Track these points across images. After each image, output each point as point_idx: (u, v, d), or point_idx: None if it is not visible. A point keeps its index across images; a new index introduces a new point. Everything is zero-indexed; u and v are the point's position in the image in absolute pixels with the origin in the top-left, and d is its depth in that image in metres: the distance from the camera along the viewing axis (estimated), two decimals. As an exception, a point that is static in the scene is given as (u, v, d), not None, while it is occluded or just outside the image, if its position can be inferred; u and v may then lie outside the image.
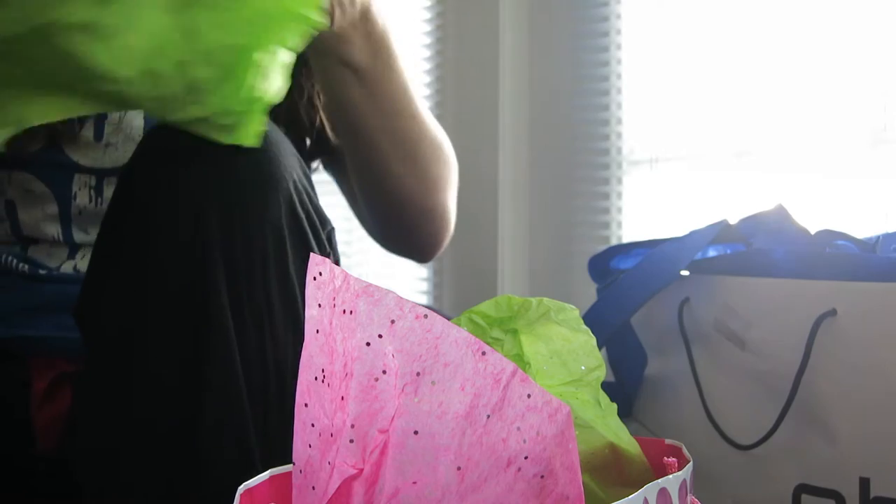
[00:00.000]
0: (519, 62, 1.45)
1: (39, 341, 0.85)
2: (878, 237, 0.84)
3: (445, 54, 1.55)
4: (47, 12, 0.60)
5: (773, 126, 1.16)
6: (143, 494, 0.66)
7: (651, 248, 0.98)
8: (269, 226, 0.69)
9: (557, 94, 1.42)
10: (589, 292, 1.07)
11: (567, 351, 0.53)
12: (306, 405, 0.46)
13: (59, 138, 0.87)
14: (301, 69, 0.95)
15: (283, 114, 0.94)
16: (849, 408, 0.75)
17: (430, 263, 1.58)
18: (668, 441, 0.55)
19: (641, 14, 1.32)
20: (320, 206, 0.77)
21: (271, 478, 0.50)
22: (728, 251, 0.95)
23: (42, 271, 0.87)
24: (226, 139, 0.67)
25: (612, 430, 0.52)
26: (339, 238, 0.84)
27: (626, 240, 1.30)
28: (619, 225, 1.34)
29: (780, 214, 0.90)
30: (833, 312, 0.76)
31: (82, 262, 0.89)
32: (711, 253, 0.95)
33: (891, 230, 0.86)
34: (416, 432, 0.43)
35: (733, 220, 0.93)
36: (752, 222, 0.92)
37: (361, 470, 0.44)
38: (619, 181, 1.34)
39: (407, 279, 1.63)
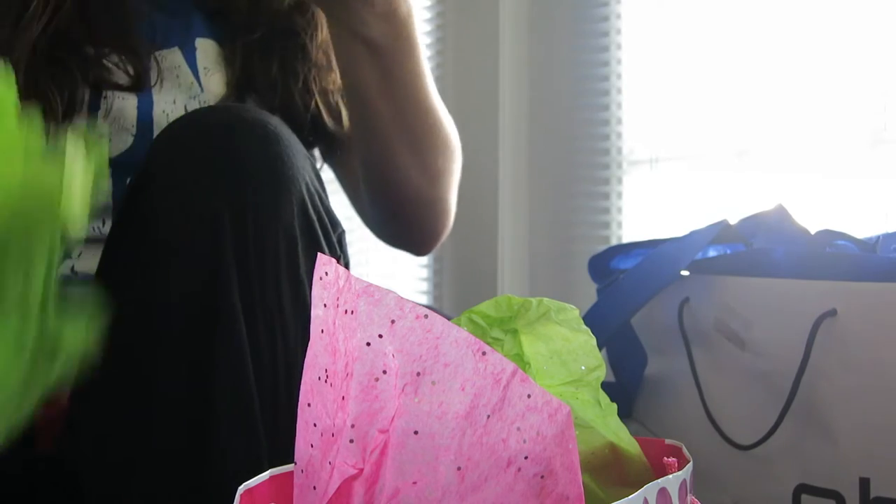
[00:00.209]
0: (519, 62, 1.45)
1: None
2: (878, 237, 0.84)
3: (445, 54, 1.55)
4: None
5: (773, 126, 1.16)
6: (150, 497, 0.66)
7: (651, 248, 0.98)
8: (281, 228, 0.69)
9: (557, 94, 1.42)
10: (589, 292, 1.07)
11: (567, 351, 0.53)
12: (309, 405, 0.46)
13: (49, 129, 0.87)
14: (297, 53, 0.95)
15: (277, 100, 0.94)
16: (849, 408, 0.75)
17: (431, 264, 1.58)
18: (668, 441, 0.55)
19: (641, 14, 1.32)
20: (331, 208, 0.77)
21: (271, 478, 0.50)
22: (728, 251, 0.95)
23: None
24: None
25: (612, 430, 0.52)
26: (340, 238, 0.84)
27: (626, 240, 1.30)
28: (619, 225, 1.34)
29: (780, 214, 0.90)
30: (833, 312, 0.76)
31: (80, 263, 0.89)
32: (711, 253, 0.95)
33: (891, 230, 0.86)
34: (416, 432, 0.43)
35: (733, 220, 0.93)
36: (752, 222, 0.92)
37: (361, 470, 0.44)
38: (619, 181, 1.34)
39: (407, 279, 1.63)
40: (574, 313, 0.55)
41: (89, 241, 0.90)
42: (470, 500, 0.43)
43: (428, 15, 1.58)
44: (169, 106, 0.90)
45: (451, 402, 0.43)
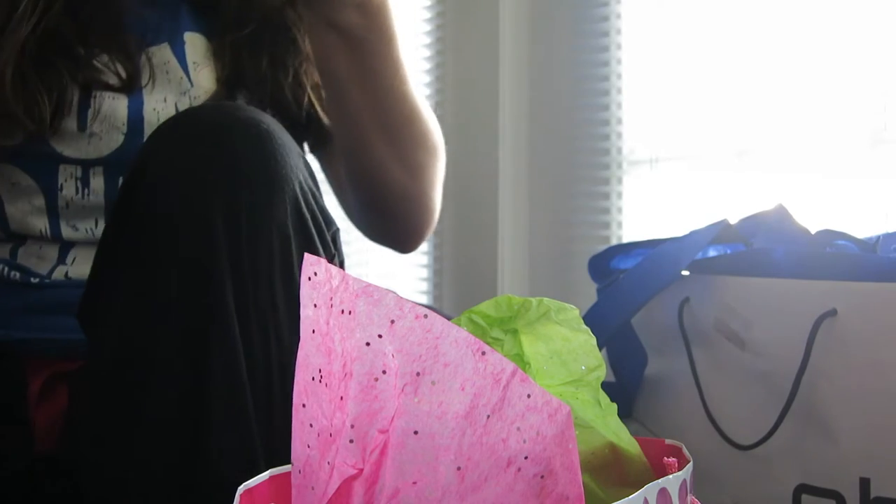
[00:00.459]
0: (519, 62, 1.45)
1: (33, 342, 0.84)
2: (878, 237, 0.84)
3: (445, 55, 1.55)
4: None
5: (773, 126, 1.16)
6: (145, 496, 0.66)
7: (651, 248, 0.98)
8: (275, 227, 0.69)
9: (557, 94, 1.42)
10: (589, 292, 1.07)
11: (567, 351, 0.53)
12: (304, 405, 0.46)
13: (41, 131, 0.87)
14: (288, 47, 0.95)
15: (268, 95, 0.94)
16: (849, 408, 0.75)
17: (431, 264, 1.58)
18: (668, 441, 0.55)
19: (641, 14, 1.32)
20: (325, 207, 0.77)
21: (271, 478, 0.50)
22: (728, 251, 0.95)
23: (34, 279, 0.87)
24: None
25: (612, 430, 0.52)
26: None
27: (626, 240, 1.30)
28: (619, 225, 1.34)
29: (780, 214, 0.90)
30: (833, 312, 0.76)
31: (73, 269, 0.88)
32: (711, 253, 0.95)
33: (891, 230, 0.86)
34: (416, 432, 0.43)
35: (733, 220, 0.93)
36: (752, 222, 0.92)
37: (361, 470, 0.44)
38: (619, 181, 1.34)
39: (407, 279, 1.63)
40: (574, 313, 0.55)
41: (82, 244, 0.90)
42: (470, 500, 0.43)
43: (428, 15, 1.58)
44: (160, 104, 0.90)
45: (451, 402, 0.43)
